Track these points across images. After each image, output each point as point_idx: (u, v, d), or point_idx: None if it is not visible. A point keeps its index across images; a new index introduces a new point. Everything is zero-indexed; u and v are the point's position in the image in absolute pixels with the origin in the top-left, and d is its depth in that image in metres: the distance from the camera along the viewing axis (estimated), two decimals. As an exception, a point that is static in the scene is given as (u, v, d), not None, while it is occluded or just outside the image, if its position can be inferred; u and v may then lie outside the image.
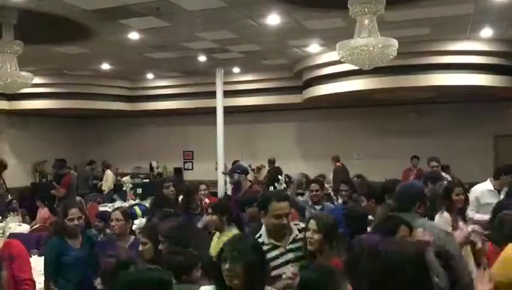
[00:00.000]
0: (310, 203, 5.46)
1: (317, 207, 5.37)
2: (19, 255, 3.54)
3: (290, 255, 3.12)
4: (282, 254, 3.11)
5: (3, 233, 5.71)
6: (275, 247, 3.11)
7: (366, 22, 5.44)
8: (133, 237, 4.25)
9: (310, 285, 1.99)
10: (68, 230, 4.09)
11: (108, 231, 5.00)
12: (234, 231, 4.00)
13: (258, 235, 3.17)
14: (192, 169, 14.84)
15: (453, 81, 9.03)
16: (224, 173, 10.87)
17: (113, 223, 4.25)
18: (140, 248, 3.60)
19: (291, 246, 3.16)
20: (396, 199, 3.84)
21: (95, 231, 5.55)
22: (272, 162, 12.28)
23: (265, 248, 3.02)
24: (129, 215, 4.40)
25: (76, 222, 4.08)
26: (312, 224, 3.08)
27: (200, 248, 2.95)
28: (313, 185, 5.53)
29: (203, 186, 6.58)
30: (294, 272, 2.71)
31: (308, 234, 3.07)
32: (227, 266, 2.28)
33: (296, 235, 3.19)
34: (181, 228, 3.16)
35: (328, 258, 2.83)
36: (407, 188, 3.88)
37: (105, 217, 4.90)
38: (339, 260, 2.70)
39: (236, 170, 6.66)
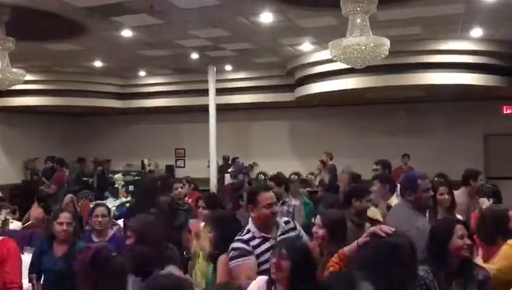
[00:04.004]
0: None
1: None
2: (12, 257, 3.44)
3: None
4: (272, 247, 3.14)
5: (-6, 230, 5.67)
6: (265, 239, 3.15)
7: (358, 20, 5.49)
8: (112, 232, 4.31)
9: None
10: (55, 234, 3.94)
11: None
12: None
13: (245, 230, 3.19)
14: (184, 167, 14.84)
15: (443, 80, 9.12)
16: (228, 173, 11.06)
17: (99, 219, 4.19)
18: None
19: (281, 237, 3.20)
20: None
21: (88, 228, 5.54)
22: (225, 159, 12.52)
23: (256, 241, 3.10)
24: (110, 211, 4.43)
25: (65, 227, 3.88)
26: (318, 219, 3.19)
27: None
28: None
29: (177, 185, 5.56)
30: None
31: (314, 228, 3.17)
32: None
33: (283, 228, 3.26)
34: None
35: (331, 253, 2.86)
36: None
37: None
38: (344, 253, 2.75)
39: (242, 170, 6.66)
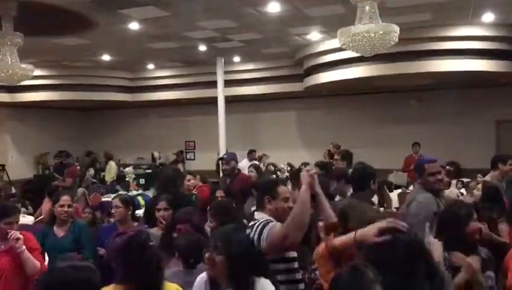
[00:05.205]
0: None
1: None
2: (35, 248, 3.65)
3: None
4: None
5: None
6: None
7: (367, 8, 5.41)
8: (135, 224, 4.40)
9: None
10: (57, 215, 4.23)
11: (111, 219, 5.08)
12: None
13: (266, 221, 3.05)
14: (194, 159, 14.86)
15: (454, 67, 8.99)
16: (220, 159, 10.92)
17: (113, 211, 4.44)
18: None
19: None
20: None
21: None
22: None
23: None
24: (128, 202, 4.48)
25: (65, 209, 4.21)
26: None
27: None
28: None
29: (188, 177, 6.01)
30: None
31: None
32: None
33: None
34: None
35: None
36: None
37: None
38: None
39: (233, 157, 6.58)
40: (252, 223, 3.01)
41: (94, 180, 11.94)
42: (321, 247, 2.43)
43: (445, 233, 2.76)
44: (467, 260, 2.60)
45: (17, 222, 3.60)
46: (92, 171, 12.39)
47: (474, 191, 4.80)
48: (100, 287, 1.96)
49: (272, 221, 2.90)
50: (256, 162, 10.99)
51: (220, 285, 2.34)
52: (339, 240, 2.38)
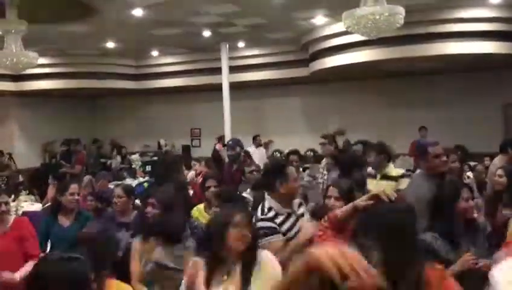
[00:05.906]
0: None
1: None
2: (31, 234, 3.65)
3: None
4: (296, 221, 3.14)
5: (16, 211, 5.81)
6: (289, 215, 3.13)
7: (372, -10, 5.36)
8: (135, 212, 4.34)
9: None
10: (65, 204, 4.15)
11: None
12: None
13: (266, 208, 3.13)
14: (200, 146, 14.87)
15: (461, 49, 8.88)
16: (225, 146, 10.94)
17: (115, 200, 4.32)
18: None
19: (300, 211, 3.22)
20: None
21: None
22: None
23: (280, 218, 3.07)
24: (131, 191, 4.44)
25: (76, 197, 4.18)
26: (332, 191, 3.11)
27: None
28: (291, 156, 6.12)
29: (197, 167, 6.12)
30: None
31: (330, 201, 3.09)
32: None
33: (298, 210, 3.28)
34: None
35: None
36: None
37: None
38: None
39: (238, 143, 6.59)
40: (259, 214, 3.07)
41: (122, 166, 12.16)
42: (323, 225, 2.49)
43: (438, 213, 2.84)
44: (463, 257, 2.65)
45: (6, 203, 3.60)
46: (118, 158, 12.54)
47: (496, 178, 4.55)
48: (89, 278, 1.95)
49: (275, 232, 2.97)
50: (261, 148, 11.00)
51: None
52: (341, 209, 2.46)
